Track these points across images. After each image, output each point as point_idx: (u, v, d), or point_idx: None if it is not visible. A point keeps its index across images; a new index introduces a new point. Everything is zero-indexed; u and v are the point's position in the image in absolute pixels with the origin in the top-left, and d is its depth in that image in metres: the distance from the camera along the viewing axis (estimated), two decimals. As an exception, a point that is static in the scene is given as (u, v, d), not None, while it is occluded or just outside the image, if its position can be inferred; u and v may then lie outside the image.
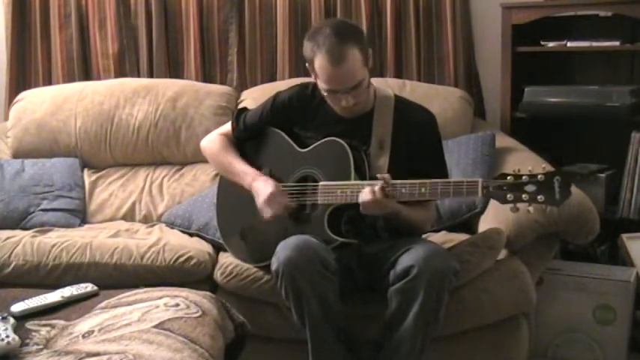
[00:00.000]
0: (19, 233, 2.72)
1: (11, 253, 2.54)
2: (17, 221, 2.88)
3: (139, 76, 3.47)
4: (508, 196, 1.97)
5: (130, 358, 1.63)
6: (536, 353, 2.67)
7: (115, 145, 3.19)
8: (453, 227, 2.67)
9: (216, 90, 3.27)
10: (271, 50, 3.43)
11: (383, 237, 2.28)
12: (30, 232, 2.74)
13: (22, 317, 1.91)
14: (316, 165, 2.28)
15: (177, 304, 1.93)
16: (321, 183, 2.23)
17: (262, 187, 2.29)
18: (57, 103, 3.23)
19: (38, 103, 3.25)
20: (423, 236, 2.36)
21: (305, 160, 2.31)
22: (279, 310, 2.35)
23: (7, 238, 2.63)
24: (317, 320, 2.06)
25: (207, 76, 3.47)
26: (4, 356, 1.69)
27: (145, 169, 3.20)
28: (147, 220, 3.03)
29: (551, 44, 3.04)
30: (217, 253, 2.60)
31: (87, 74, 3.51)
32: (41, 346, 1.77)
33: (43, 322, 1.90)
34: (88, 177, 3.17)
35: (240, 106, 3.01)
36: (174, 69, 3.49)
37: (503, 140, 2.95)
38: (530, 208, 1.96)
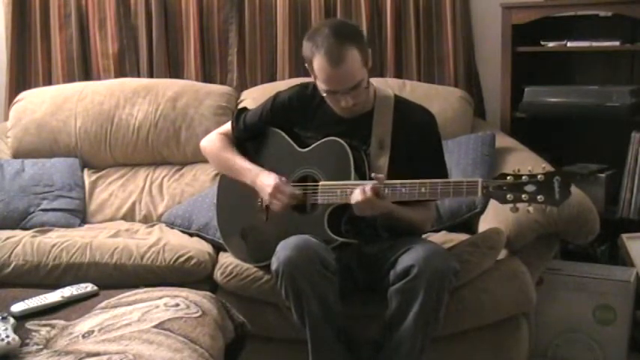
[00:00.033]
0: (19, 233, 2.72)
1: (11, 253, 2.54)
2: (17, 221, 2.88)
3: (139, 76, 3.47)
4: (508, 196, 1.97)
5: (130, 358, 1.63)
6: (536, 353, 2.67)
7: (115, 145, 3.19)
8: (453, 227, 2.67)
9: (216, 90, 3.27)
10: (271, 50, 3.43)
11: (383, 237, 2.28)
12: (30, 232, 2.74)
13: (22, 317, 1.91)
14: (316, 165, 2.28)
15: (177, 304, 1.93)
16: (321, 183, 2.23)
17: (265, 180, 2.28)
18: (57, 103, 3.23)
19: (38, 103, 3.25)
20: (423, 236, 2.36)
21: (305, 159, 2.31)
22: (279, 310, 2.34)
23: (7, 238, 2.63)
24: (317, 320, 2.06)
25: (207, 76, 3.47)
26: (4, 356, 1.69)
27: (145, 169, 3.20)
28: (147, 220, 3.03)
29: (551, 44, 3.04)
30: (217, 253, 2.60)
31: (87, 74, 3.51)
32: (41, 346, 1.77)
33: (43, 322, 1.90)
34: (88, 177, 3.17)
35: (240, 106, 3.01)
36: (174, 69, 3.49)
37: (503, 140, 2.95)
38: (530, 208, 1.96)
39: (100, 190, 3.14)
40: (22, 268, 2.52)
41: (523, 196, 1.95)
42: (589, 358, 2.67)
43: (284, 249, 2.07)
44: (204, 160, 2.70)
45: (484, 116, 3.33)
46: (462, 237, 2.50)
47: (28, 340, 1.79)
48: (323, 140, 2.28)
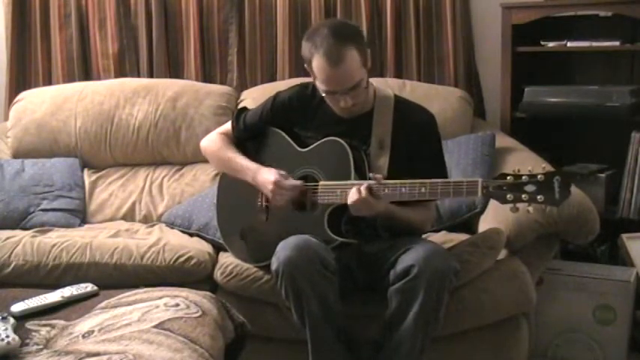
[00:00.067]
0: (19, 233, 2.72)
1: (11, 253, 2.54)
2: (17, 221, 2.88)
3: (139, 76, 3.47)
4: (508, 196, 1.96)
5: (130, 358, 1.63)
6: (536, 353, 2.67)
7: (115, 145, 3.19)
8: (453, 227, 2.67)
9: (216, 90, 3.27)
10: (271, 50, 3.43)
11: (383, 237, 2.28)
12: (30, 232, 2.74)
13: (22, 317, 1.91)
14: (316, 165, 2.28)
15: (177, 304, 1.93)
16: (321, 183, 2.23)
17: (266, 176, 2.28)
18: (57, 103, 3.23)
19: (38, 103, 3.25)
20: (423, 236, 2.36)
21: (305, 159, 2.31)
22: (279, 310, 2.34)
23: (7, 238, 2.63)
24: (317, 320, 2.06)
25: (207, 76, 3.47)
26: (4, 356, 1.69)
27: (145, 169, 3.20)
28: (147, 220, 3.03)
29: (551, 44, 3.04)
30: (217, 253, 2.60)
31: (87, 74, 3.51)
32: (41, 346, 1.77)
33: (43, 322, 1.90)
34: (88, 177, 3.17)
35: (240, 106, 3.01)
36: (174, 69, 3.49)
37: (503, 140, 2.95)
38: (530, 208, 1.96)
39: (100, 190, 3.14)
40: (22, 268, 2.52)
41: (523, 196, 1.95)
42: (589, 358, 2.66)
43: (284, 249, 2.07)
44: (204, 160, 2.70)
45: (484, 116, 3.33)
46: (462, 237, 2.50)
47: (28, 340, 1.79)
48: (323, 140, 2.28)
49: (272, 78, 3.42)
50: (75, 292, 2.07)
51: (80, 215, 3.02)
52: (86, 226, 2.98)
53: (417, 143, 2.25)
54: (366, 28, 3.28)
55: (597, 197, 2.81)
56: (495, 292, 2.30)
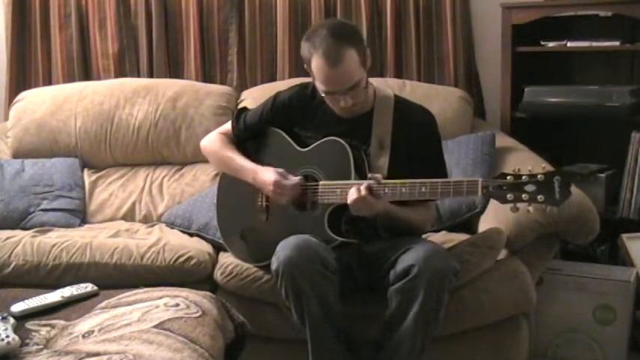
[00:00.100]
0: (19, 233, 2.72)
1: (11, 253, 2.54)
2: (17, 221, 2.88)
3: (139, 76, 3.47)
4: (508, 195, 1.96)
5: (130, 358, 1.63)
6: (536, 353, 2.67)
7: (115, 145, 3.19)
8: (453, 227, 2.67)
9: (216, 90, 3.27)
10: (271, 50, 3.43)
11: (383, 237, 2.28)
12: (30, 232, 2.74)
13: (22, 317, 1.91)
14: (316, 164, 2.28)
15: (177, 304, 1.93)
16: (321, 182, 2.23)
17: (265, 175, 2.28)
18: (57, 103, 3.23)
19: (38, 103, 3.25)
20: (423, 236, 2.35)
21: (305, 159, 2.31)
22: (279, 310, 2.34)
23: (7, 238, 2.63)
24: (317, 320, 2.06)
25: (207, 76, 3.47)
26: (4, 356, 1.69)
27: (145, 169, 3.20)
28: (147, 220, 3.03)
29: (551, 44, 3.04)
30: (217, 253, 2.60)
31: (87, 74, 3.52)
32: (41, 346, 1.77)
33: (43, 322, 1.90)
34: (88, 177, 3.17)
35: (240, 106, 3.01)
36: (174, 69, 3.49)
37: (503, 140, 2.95)
38: (530, 208, 1.95)
39: (100, 190, 3.14)
40: (22, 268, 2.52)
41: (523, 195, 1.95)
42: (589, 358, 2.66)
43: (284, 249, 2.07)
44: (204, 160, 2.70)
45: (484, 116, 3.33)
46: (462, 237, 2.50)
47: (28, 340, 1.79)
48: (323, 140, 2.28)
49: (272, 78, 3.42)
50: (75, 292, 2.07)
51: (80, 215, 3.02)
52: (86, 226, 2.98)
53: (417, 143, 2.25)
54: (366, 28, 3.28)
55: (597, 197, 2.81)
56: (495, 292, 2.30)
